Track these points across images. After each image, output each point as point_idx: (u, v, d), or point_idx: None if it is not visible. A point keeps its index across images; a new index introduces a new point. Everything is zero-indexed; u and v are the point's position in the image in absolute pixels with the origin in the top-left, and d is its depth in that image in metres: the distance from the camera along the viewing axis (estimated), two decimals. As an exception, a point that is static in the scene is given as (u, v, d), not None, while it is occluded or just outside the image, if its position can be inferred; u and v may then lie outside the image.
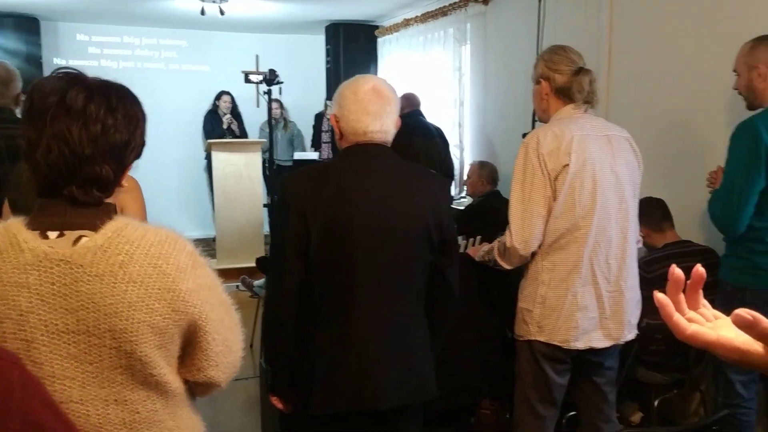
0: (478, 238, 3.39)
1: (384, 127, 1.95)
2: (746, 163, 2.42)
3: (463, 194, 5.53)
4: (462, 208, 4.93)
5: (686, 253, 2.89)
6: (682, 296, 0.73)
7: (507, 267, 2.34)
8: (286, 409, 2.06)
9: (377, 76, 2.03)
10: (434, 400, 2.08)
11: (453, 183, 5.60)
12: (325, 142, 7.55)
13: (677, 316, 0.72)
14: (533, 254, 2.30)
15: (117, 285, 1.13)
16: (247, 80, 4.90)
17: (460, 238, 4.28)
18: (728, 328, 0.70)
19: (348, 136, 1.97)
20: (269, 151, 4.76)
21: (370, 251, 1.89)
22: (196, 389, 1.35)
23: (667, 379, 3.07)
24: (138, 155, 1.32)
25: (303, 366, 1.95)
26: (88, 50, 7.96)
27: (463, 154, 5.81)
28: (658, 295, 0.71)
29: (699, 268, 0.73)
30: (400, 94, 5.65)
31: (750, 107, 2.59)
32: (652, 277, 2.93)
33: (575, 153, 2.20)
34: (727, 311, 2.27)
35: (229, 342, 1.32)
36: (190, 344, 1.25)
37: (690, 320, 0.72)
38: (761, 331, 0.66)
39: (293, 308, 1.91)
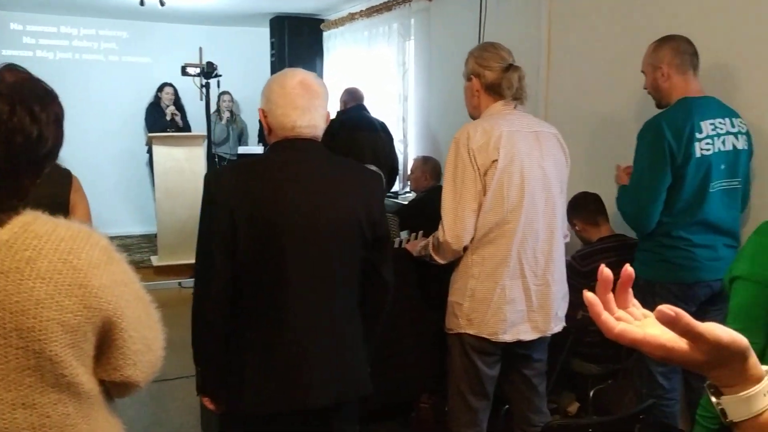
0: (421, 233, 3.40)
1: (312, 122, 1.92)
2: (651, 160, 2.49)
3: (407, 189, 5.55)
4: (406, 203, 4.95)
5: (620, 247, 2.96)
6: (611, 295, 0.75)
7: (441, 262, 2.37)
8: (218, 410, 2.02)
9: (306, 70, 1.99)
10: (371, 396, 2.07)
11: (397, 178, 5.61)
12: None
13: (605, 315, 0.73)
14: (465, 249, 2.32)
15: (23, 282, 1.08)
16: (185, 73, 4.79)
17: (404, 233, 4.29)
18: (655, 326, 0.72)
19: (276, 131, 1.94)
20: (208, 144, 4.66)
21: (300, 248, 1.87)
22: (114, 390, 1.30)
23: (601, 370, 3.14)
24: (56, 157, 1.27)
25: (233, 365, 1.92)
26: (23, 40, 7.68)
27: (407, 149, 5.82)
28: (588, 294, 0.73)
29: (628, 268, 0.75)
30: (344, 88, 5.64)
31: (658, 106, 2.67)
32: (586, 270, 2.99)
33: (504, 148, 2.23)
34: (642, 306, 2.33)
35: (148, 340, 1.29)
36: (106, 343, 1.21)
37: (618, 319, 0.74)
38: (683, 326, 0.68)
39: (221, 307, 1.87)
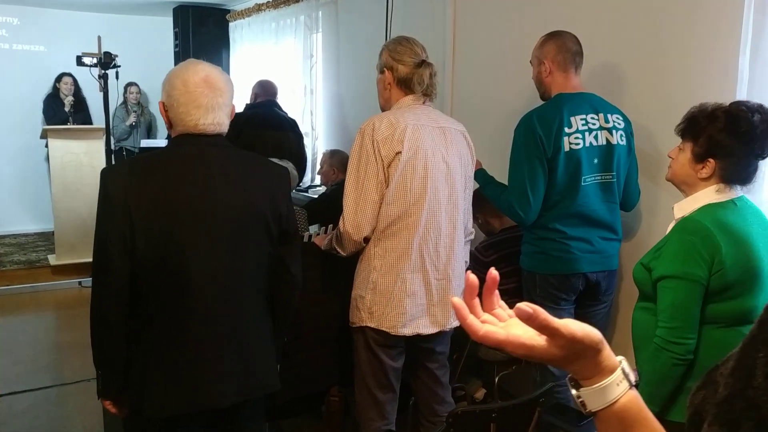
0: (330, 226, 3.40)
1: (216, 119, 1.88)
2: (527, 153, 2.57)
3: (317, 183, 5.53)
4: (316, 197, 4.93)
5: (519, 237, 3.06)
6: (477, 300, 0.78)
7: (343, 253, 2.37)
8: (120, 413, 1.96)
9: (210, 64, 1.93)
10: (279, 391, 2.06)
11: (307, 172, 5.56)
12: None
13: (471, 319, 0.76)
14: (367, 241, 2.34)
15: None
16: (80, 63, 4.57)
17: (313, 227, 4.28)
18: (518, 326, 0.76)
19: (177, 127, 1.89)
20: (107, 138, 4.48)
21: (201, 245, 1.83)
22: None
23: (506, 356, 3.24)
24: None
25: (133, 367, 1.87)
26: None
27: (316, 143, 5.80)
28: (454, 300, 0.76)
29: (492, 272, 0.79)
30: (254, 81, 5.49)
31: (542, 97, 2.77)
32: (489, 260, 3.08)
33: (408, 141, 2.25)
34: (525, 297, 2.43)
35: None
36: None
37: (484, 322, 0.77)
38: (540, 322, 0.72)
39: (120, 308, 1.82)
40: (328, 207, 4.20)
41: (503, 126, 3.68)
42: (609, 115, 2.63)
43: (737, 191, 1.90)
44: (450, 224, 2.38)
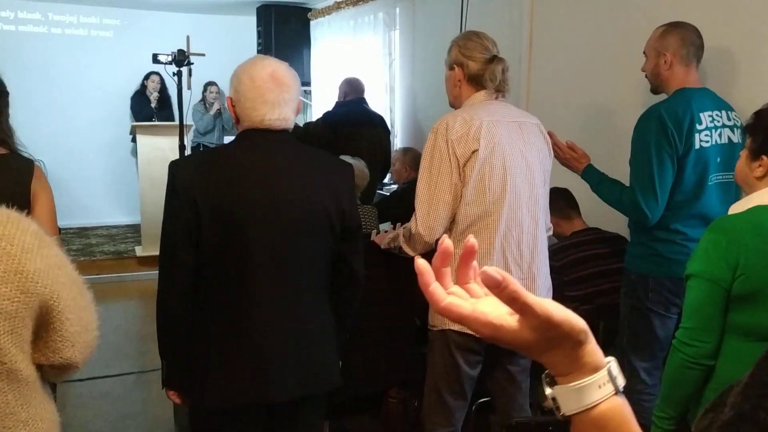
0: (400, 224, 3.37)
1: (282, 115, 1.89)
2: (657, 148, 2.42)
3: (390, 181, 5.51)
4: (388, 194, 4.91)
5: (594, 240, 2.94)
6: (448, 269, 0.67)
7: (412, 254, 2.31)
8: (184, 403, 2.01)
9: (277, 60, 1.95)
10: (339, 390, 2.06)
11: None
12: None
13: (434, 286, 0.65)
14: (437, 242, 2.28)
15: None
16: (156, 60, 4.74)
17: (384, 225, 4.26)
18: (488, 304, 0.65)
19: (243, 122, 1.91)
20: (180, 133, 4.61)
21: (265, 239, 1.84)
22: (51, 373, 1.30)
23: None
24: None
25: (196, 358, 1.90)
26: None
27: (395, 140, 5.78)
28: (418, 262, 0.65)
29: (470, 239, 0.68)
30: (335, 79, 5.53)
31: (653, 91, 2.62)
32: (559, 265, 2.96)
33: (484, 138, 2.17)
34: (630, 301, 2.30)
35: (84, 321, 1.30)
36: (43, 326, 1.21)
37: (451, 293, 0.67)
38: (510, 293, 0.61)
39: (185, 299, 1.86)
40: (399, 205, 4.17)
41: (581, 124, 3.55)
42: (729, 113, 2.50)
43: None
44: (532, 221, 2.30)
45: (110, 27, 8.06)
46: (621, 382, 0.66)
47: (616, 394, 0.65)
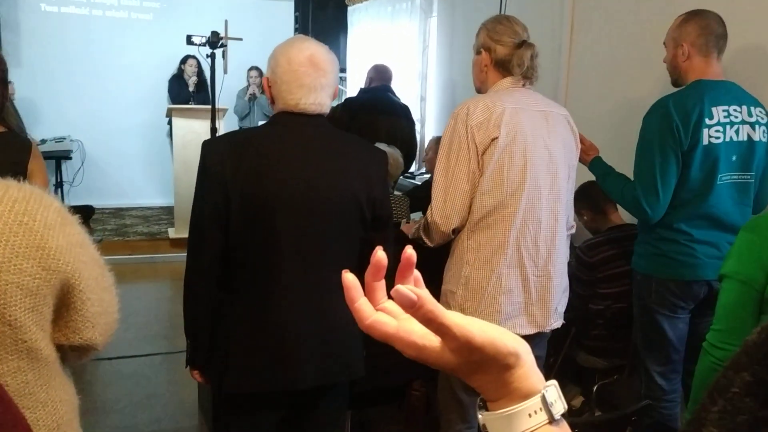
0: (420, 214, 3.32)
1: (318, 100, 1.85)
2: (660, 143, 2.32)
3: (423, 170, 5.45)
4: (420, 184, 4.85)
5: (628, 237, 2.83)
6: (380, 284, 0.62)
7: (430, 244, 2.24)
8: (207, 383, 2.00)
9: (316, 42, 1.91)
10: (361, 380, 2.03)
11: (414, 161, 5.48)
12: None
13: (360, 302, 0.60)
14: (459, 233, 2.21)
15: None
16: (190, 42, 4.74)
17: (415, 214, 4.20)
18: (415, 321, 0.59)
19: (278, 104, 1.88)
20: (212, 116, 4.61)
21: (294, 223, 1.81)
22: (72, 354, 1.27)
23: (607, 364, 3.03)
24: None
25: (220, 341, 1.89)
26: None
27: (425, 129, 5.71)
28: (346, 276, 0.60)
29: (407, 250, 0.62)
30: (370, 64, 5.48)
31: (674, 84, 2.50)
32: (593, 261, 2.87)
33: (506, 126, 2.08)
34: (639, 302, 2.22)
35: (105, 302, 1.27)
36: (64, 305, 1.18)
37: (382, 310, 0.61)
38: (424, 314, 0.56)
39: (211, 281, 1.84)
40: (430, 194, 4.11)
41: (622, 118, 3.43)
42: (752, 108, 2.35)
43: None
44: (551, 217, 2.19)
45: (150, 10, 8.13)
46: (558, 409, 0.60)
47: (550, 423, 0.60)
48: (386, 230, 2.00)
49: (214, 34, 4.20)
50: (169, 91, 7.52)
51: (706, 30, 2.36)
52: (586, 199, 2.97)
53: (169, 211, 7.70)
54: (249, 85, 7.57)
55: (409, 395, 2.73)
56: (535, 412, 0.60)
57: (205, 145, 1.86)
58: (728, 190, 2.35)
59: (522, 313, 2.19)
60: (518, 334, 2.00)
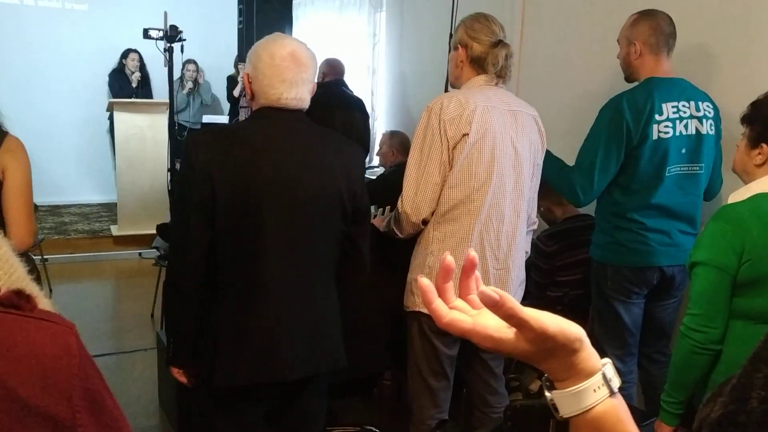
0: (388, 208, 3.35)
1: (299, 95, 1.88)
2: (607, 137, 2.45)
3: (376, 164, 5.48)
4: (373, 178, 4.89)
5: (584, 227, 2.95)
6: (450, 285, 0.71)
7: (400, 235, 2.31)
8: (188, 382, 1.99)
9: (297, 39, 1.95)
10: (342, 371, 2.06)
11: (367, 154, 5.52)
12: (243, 107, 7.28)
13: (437, 303, 0.69)
14: (426, 224, 2.27)
15: None
16: (147, 36, 4.63)
17: (371, 208, 4.24)
18: (489, 316, 0.69)
19: (259, 99, 1.90)
20: (170, 112, 4.54)
21: (279, 218, 1.83)
22: None
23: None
24: None
25: (206, 336, 1.89)
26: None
27: (376, 123, 5.74)
28: (422, 280, 0.69)
29: (470, 254, 0.71)
30: (319, 59, 5.47)
31: (627, 79, 2.63)
32: (551, 250, 2.98)
33: (476, 123, 2.16)
34: (595, 288, 2.35)
35: None
36: None
37: (453, 308, 0.71)
38: (506, 311, 0.65)
39: (196, 276, 1.84)
40: (386, 188, 4.14)
41: (572, 111, 3.55)
42: (700, 103, 2.50)
43: None
44: (514, 213, 2.29)
45: (85, 0, 7.85)
46: (616, 383, 0.70)
47: (611, 395, 0.69)
48: (365, 224, 2.05)
49: (173, 27, 4.11)
50: (110, 85, 7.32)
51: (657, 30, 2.49)
52: (544, 190, 3.07)
53: (109, 207, 7.49)
54: (182, 77, 7.42)
55: (380, 385, 2.77)
56: (599, 387, 0.69)
57: (190, 140, 1.87)
58: (677, 181, 2.49)
59: None
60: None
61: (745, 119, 1.90)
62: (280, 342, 1.87)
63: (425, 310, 2.24)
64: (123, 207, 6.37)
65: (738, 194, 1.89)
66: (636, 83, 2.56)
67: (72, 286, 5.58)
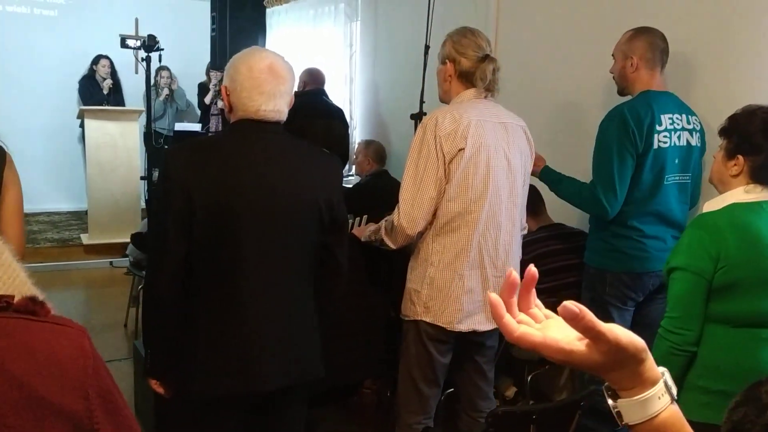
0: (365, 217, 3.38)
1: (277, 107, 1.90)
2: (618, 146, 2.52)
3: (352, 173, 5.51)
4: (350, 186, 4.91)
5: (558, 236, 3.02)
6: (515, 299, 0.74)
7: (392, 246, 2.35)
8: (166, 393, 1.98)
9: (275, 52, 1.97)
10: (320, 380, 2.07)
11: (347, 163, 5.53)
12: (213, 114, 7.25)
13: (507, 318, 0.72)
14: (424, 236, 2.32)
15: None
16: (124, 45, 4.60)
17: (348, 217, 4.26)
18: (556, 329, 0.71)
19: (238, 112, 1.91)
20: (147, 120, 4.51)
21: (256, 229, 1.85)
22: None
23: (538, 355, 3.19)
24: None
25: (184, 347, 1.89)
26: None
27: (354, 132, 5.77)
28: (491, 296, 0.71)
29: (531, 269, 0.74)
30: (301, 69, 5.46)
31: (620, 93, 2.73)
32: (526, 258, 3.03)
33: (471, 138, 2.22)
34: (590, 294, 2.41)
35: None
36: None
37: (520, 322, 0.73)
38: (585, 324, 0.67)
39: (174, 287, 1.84)
40: (361, 197, 4.18)
41: (543, 121, 3.62)
42: (690, 117, 2.62)
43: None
44: (509, 221, 2.37)
45: (54, 6, 7.75)
46: (674, 390, 0.74)
47: (672, 402, 0.73)
48: (342, 233, 2.07)
49: (151, 37, 4.10)
50: (80, 92, 7.22)
51: (653, 45, 2.60)
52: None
53: (78, 216, 7.39)
54: (156, 84, 7.37)
55: (360, 394, 2.79)
56: (662, 394, 0.73)
57: (168, 152, 1.89)
58: (672, 190, 2.60)
59: (481, 311, 2.34)
60: (477, 330, 2.13)
61: (723, 132, 1.98)
62: (258, 352, 1.87)
63: (426, 319, 2.31)
64: (94, 215, 6.29)
65: (713, 203, 1.97)
66: (629, 97, 2.65)
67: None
